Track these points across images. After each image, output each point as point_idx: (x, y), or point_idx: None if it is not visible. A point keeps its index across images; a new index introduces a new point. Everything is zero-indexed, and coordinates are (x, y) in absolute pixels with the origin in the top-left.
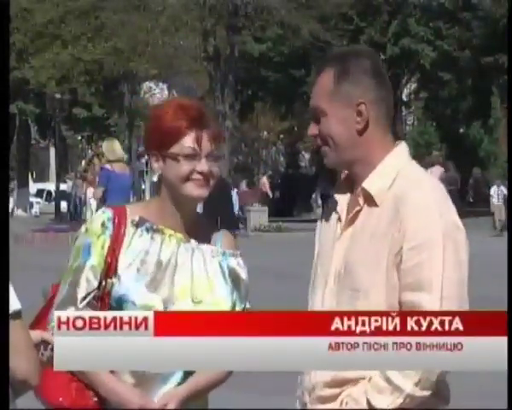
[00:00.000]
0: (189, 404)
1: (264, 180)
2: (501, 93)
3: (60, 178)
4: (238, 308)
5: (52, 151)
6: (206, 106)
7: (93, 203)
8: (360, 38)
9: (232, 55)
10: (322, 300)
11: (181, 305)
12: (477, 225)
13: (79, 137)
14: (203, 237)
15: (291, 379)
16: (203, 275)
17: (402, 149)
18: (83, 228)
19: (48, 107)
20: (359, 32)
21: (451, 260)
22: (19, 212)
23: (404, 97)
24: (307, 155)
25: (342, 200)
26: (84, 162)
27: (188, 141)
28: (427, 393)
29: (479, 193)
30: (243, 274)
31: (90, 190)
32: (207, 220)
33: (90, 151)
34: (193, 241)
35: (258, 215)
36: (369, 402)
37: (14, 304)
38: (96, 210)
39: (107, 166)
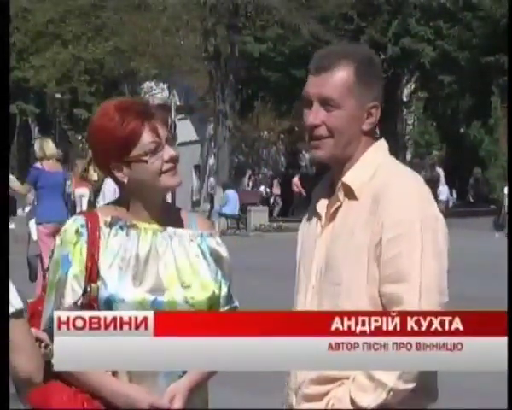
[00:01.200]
0: (192, 398)
1: (296, 180)
2: (501, 93)
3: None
4: (224, 287)
5: None
6: (206, 105)
7: (84, 201)
8: (360, 38)
9: (233, 54)
10: (305, 298)
11: (171, 293)
12: (477, 225)
13: (80, 137)
14: (177, 223)
15: None
16: (186, 260)
17: (381, 144)
18: (57, 241)
19: (48, 107)
20: (360, 32)
21: (430, 251)
22: (19, 212)
23: (404, 97)
24: (307, 155)
25: (322, 198)
26: (84, 162)
27: (147, 137)
28: (410, 386)
29: (479, 193)
30: (224, 252)
31: (78, 190)
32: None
33: (90, 151)
34: (169, 228)
35: (258, 215)
36: (353, 401)
37: (16, 303)
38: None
39: (38, 164)
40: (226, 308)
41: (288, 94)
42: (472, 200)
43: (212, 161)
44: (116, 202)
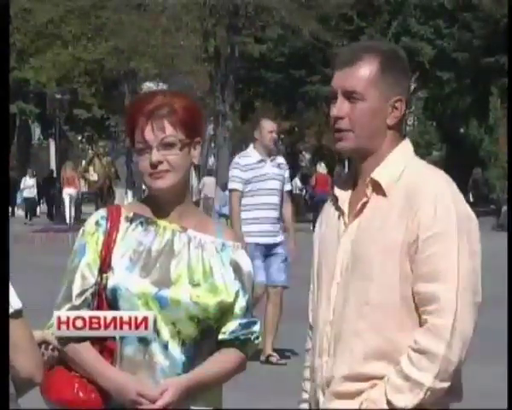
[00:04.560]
0: (192, 398)
1: None
2: (500, 93)
3: (60, 178)
4: (241, 299)
5: (52, 151)
6: (202, 102)
7: (72, 200)
8: (360, 39)
9: (232, 55)
10: (328, 294)
11: (178, 288)
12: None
13: (80, 138)
14: (203, 229)
15: (290, 379)
16: (199, 261)
17: (407, 144)
18: (80, 231)
19: (48, 107)
20: (360, 33)
21: (465, 251)
22: (19, 212)
23: None
24: (308, 155)
25: (343, 195)
26: (84, 162)
27: (137, 135)
28: (446, 384)
29: (479, 193)
30: (245, 266)
31: (67, 189)
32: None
33: (90, 151)
34: (190, 231)
35: None
36: (389, 403)
37: (15, 303)
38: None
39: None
40: (244, 321)
41: (289, 94)
42: (472, 200)
43: (212, 161)
44: (143, 199)
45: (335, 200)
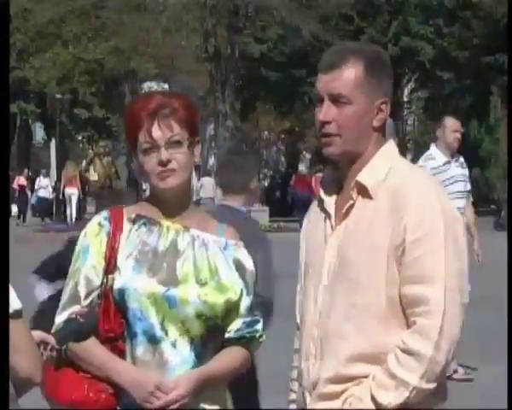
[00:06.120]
0: (203, 393)
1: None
2: (501, 93)
3: (60, 178)
4: (246, 297)
5: (53, 151)
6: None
7: (73, 200)
8: (361, 38)
9: (233, 55)
10: (315, 297)
11: (186, 287)
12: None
13: (80, 137)
14: (205, 228)
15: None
16: (205, 260)
17: (392, 145)
18: (82, 232)
19: (48, 107)
20: (360, 32)
21: (452, 252)
22: (28, 217)
23: (405, 97)
24: (308, 155)
25: (329, 198)
26: (84, 162)
27: (142, 135)
28: (432, 386)
29: (479, 193)
30: (248, 265)
31: (68, 189)
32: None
33: (90, 151)
34: (193, 230)
35: (259, 215)
36: (374, 399)
37: (15, 304)
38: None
39: None
40: (248, 319)
41: (289, 94)
42: (472, 200)
43: (212, 161)
44: (143, 201)
45: (321, 202)
